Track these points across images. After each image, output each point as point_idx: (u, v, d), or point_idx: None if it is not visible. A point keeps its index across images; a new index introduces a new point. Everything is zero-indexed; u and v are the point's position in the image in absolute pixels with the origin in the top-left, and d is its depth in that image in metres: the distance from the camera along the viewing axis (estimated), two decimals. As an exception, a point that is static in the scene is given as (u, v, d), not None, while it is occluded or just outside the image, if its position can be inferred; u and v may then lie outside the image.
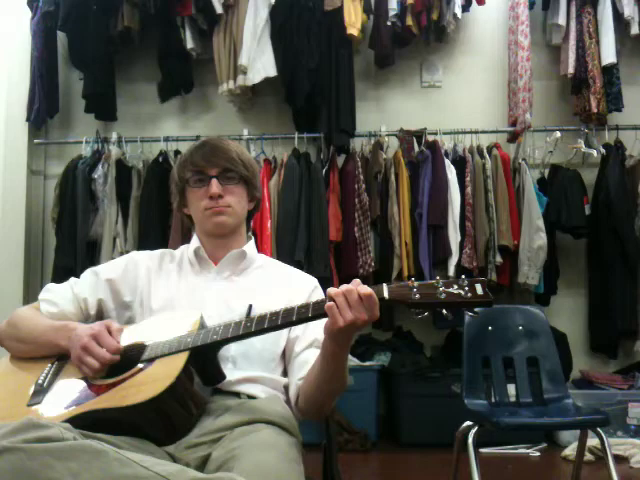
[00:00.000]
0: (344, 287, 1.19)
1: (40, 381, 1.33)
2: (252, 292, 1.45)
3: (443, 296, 1.16)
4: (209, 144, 1.54)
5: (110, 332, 1.33)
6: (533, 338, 2.48)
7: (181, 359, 1.24)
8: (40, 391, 1.31)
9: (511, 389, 2.42)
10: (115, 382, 1.25)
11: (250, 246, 1.56)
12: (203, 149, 1.52)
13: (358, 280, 1.22)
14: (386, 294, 1.19)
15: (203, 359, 1.27)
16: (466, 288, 1.16)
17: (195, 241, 1.55)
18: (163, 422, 1.22)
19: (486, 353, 2.44)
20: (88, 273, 1.54)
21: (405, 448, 3.44)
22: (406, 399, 3.52)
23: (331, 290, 1.20)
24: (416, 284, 1.18)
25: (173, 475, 1.00)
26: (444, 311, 1.17)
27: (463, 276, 1.19)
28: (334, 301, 1.19)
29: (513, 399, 2.42)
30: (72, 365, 1.35)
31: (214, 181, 1.47)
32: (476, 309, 1.19)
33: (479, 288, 1.15)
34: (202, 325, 1.33)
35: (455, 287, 1.16)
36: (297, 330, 1.44)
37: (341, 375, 1.32)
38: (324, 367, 1.30)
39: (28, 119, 4.04)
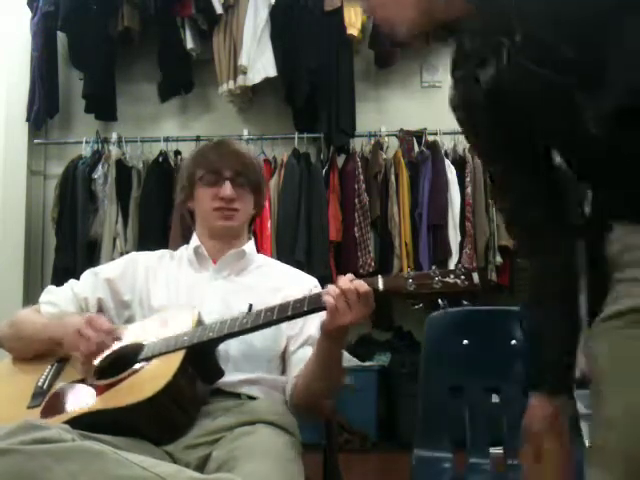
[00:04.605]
0: (343, 285, 1.19)
1: (40, 383, 1.33)
2: (252, 292, 1.45)
3: (439, 286, 1.14)
4: (225, 145, 1.56)
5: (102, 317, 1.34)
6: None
7: (178, 358, 1.24)
8: (40, 393, 1.31)
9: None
10: (112, 383, 1.25)
11: (249, 246, 1.56)
12: (219, 149, 1.53)
13: (351, 275, 1.22)
14: (381, 285, 1.19)
15: (201, 357, 1.27)
16: (462, 277, 1.15)
17: (195, 240, 1.55)
18: (161, 421, 1.22)
19: (456, 381, 1.66)
20: (87, 274, 1.55)
21: (405, 448, 3.43)
22: (406, 399, 3.52)
23: (331, 290, 1.20)
24: (412, 274, 1.17)
25: (171, 476, 1.01)
26: (440, 301, 1.17)
27: (459, 264, 1.20)
28: (335, 303, 1.18)
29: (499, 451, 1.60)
30: (71, 366, 1.36)
31: (228, 184, 1.47)
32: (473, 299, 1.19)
33: (475, 277, 1.15)
34: (199, 322, 1.33)
35: (451, 276, 1.15)
36: (294, 329, 1.44)
37: (337, 371, 1.34)
38: (320, 364, 1.31)
39: (28, 119, 4.04)
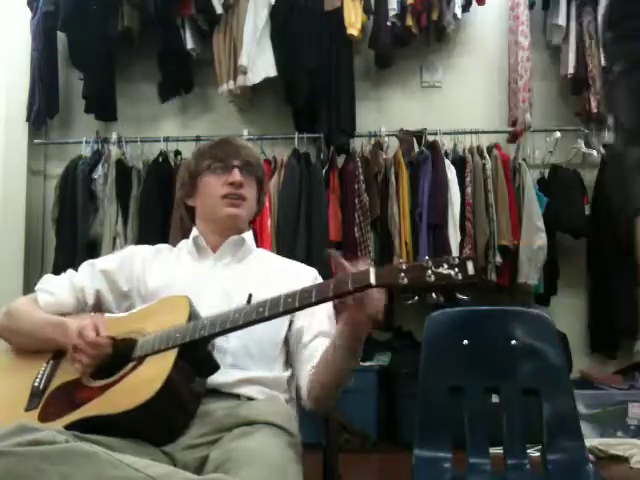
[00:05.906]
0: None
1: (36, 383, 1.33)
2: (252, 280, 1.44)
3: (432, 278, 1.09)
4: (229, 141, 1.57)
5: (97, 327, 1.31)
6: (535, 358, 1.66)
7: (171, 357, 1.23)
8: (36, 394, 1.31)
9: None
10: (107, 384, 1.25)
11: (249, 235, 1.57)
12: (223, 145, 1.54)
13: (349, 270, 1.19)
14: (373, 280, 1.12)
15: (194, 352, 1.26)
16: (456, 268, 1.09)
17: (195, 232, 1.56)
18: (160, 423, 1.22)
19: (456, 381, 1.64)
20: (85, 265, 1.56)
21: (405, 448, 3.43)
22: (406, 399, 3.51)
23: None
24: (404, 266, 1.12)
25: (164, 477, 1.01)
26: (434, 295, 1.14)
27: (454, 254, 1.16)
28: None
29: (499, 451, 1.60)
30: (66, 363, 1.35)
31: (237, 170, 1.49)
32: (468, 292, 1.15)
33: (470, 267, 1.08)
34: (192, 314, 1.31)
35: (445, 266, 1.10)
36: (302, 321, 1.44)
37: (353, 367, 1.33)
38: (340, 359, 1.29)
39: (28, 119, 4.04)
